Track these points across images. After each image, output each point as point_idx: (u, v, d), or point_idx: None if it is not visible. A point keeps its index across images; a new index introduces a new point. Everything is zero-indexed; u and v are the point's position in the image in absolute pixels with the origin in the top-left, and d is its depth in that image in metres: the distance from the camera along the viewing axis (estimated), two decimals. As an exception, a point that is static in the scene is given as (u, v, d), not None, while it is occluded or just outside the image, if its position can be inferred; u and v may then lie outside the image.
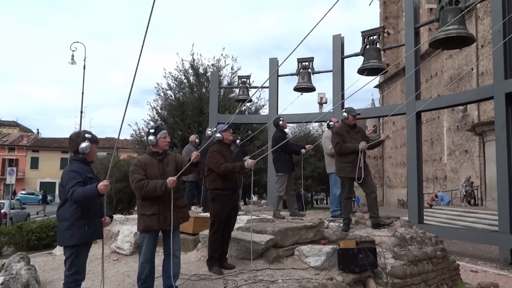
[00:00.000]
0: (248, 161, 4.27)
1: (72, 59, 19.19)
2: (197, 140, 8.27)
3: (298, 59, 11.63)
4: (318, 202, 47.24)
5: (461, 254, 8.77)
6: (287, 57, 3.33)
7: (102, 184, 3.01)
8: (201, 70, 17.29)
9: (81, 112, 19.60)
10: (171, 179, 3.53)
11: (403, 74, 32.75)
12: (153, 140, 3.74)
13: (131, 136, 17.55)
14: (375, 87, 41.98)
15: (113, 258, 5.32)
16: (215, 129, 4.83)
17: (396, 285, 4.69)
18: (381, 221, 5.80)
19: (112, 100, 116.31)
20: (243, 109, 16.95)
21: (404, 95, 35.40)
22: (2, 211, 16.45)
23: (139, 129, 17.06)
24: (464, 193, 20.70)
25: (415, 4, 9.91)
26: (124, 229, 5.57)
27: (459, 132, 24.80)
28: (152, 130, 3.81)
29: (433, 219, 16.50)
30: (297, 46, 3.11)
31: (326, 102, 32.30)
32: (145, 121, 17.27)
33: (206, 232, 5.16)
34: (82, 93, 19.32)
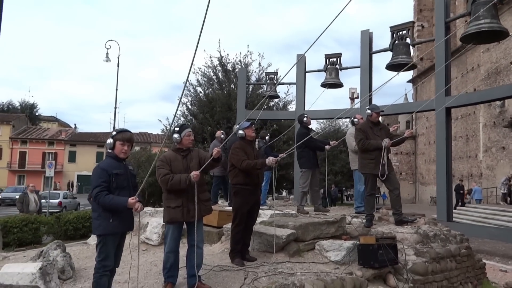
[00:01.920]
0: (270, 159, 4.40)
1: (107, 56, 19.87)
2: (222, 136, 8.46)
3: (326, 55, 11.61)
4: (348, 199, 46.73)
5: (492, 254, 8.59)
6: (304, 52, 3.42)
7: (132, 201, 3.20)
8: (229, 67, 17.48)
9: (115, 107, 20.27)
10: (194, 173, 3.72)
11: (436, 71, 31.85)
12: (177, 138, 3.94)
13: (162, 131, 17.99)
14: (408, 81, 40.99)
15: (142, 248, 5.59)
16: (237, 126, 4.99)
17: (417, 281, 4.71)
18: (404, 217, 5.80)
19: (144, 96, 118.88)
20: (271, 104, 17.04)
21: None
22: (58, 200, 19.89)
23: (170, 124, 17.45)
24: (505, 191, 19.98)
25: (446, -2, 9.68)
26: (153, 221, 5.84)
27: (496, 128, 23.93)
28: (177, 129, 4.01)
29: (466, 217, 16.10)
30: (315, 41, 3.20)
31: (357, 97, 31.85)
32: (176, 116, 17.68)
33: (229, 225, 5.34)
34: (116, 89, 19.87)
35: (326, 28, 3.18)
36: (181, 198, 3.81)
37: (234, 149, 4.58)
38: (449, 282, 5.11)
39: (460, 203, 20.88)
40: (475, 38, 8.72)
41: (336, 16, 3.08)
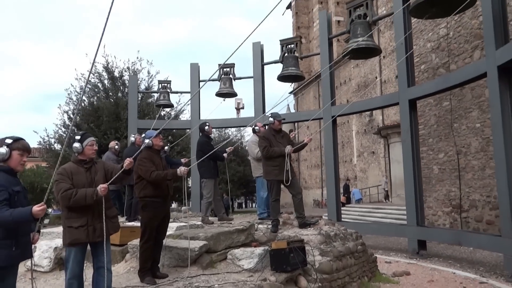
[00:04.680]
0: (181, 169, 4.21)
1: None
2: (116, 147, 7.91)
3: (219, 64, 11.71)
4: (241, 206, 47.64)
5: (375, 247, 9.48)
6: (226, 60, 3.36)
7: (38, 209, 2.68)
8: (116, 74, 16.52)
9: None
10: (102, 187, 3.36)
11: (315, 81, 34.62)
12: (78, 148, 3.51)
13: (39, 144, 16.14)
14: (290, 93, 43.67)
15: (28, 277, 4.87)
16: (143, 135, 4.69)
17: (324, 280, 4.95)
18: (307, 220, 6.07)
19: (10, 107, 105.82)
20: (162, 114, 16.56)
21: (316, 100, 37.34)
22: None
23: (48, 135, 15.79)
24: (387, 189, 22.45)
25: (328, 16, 10.57)
26: (42, 244, 5.14)
27: (367, 135, 26.84)
28: (77, 137, 3.57)
29: (347, 216, 17.60)
30: (232, 54, 3.16)
31: (243, 108, 32.94)
32: (56, 125, 16.04)
33: (134, 242, 4.97)
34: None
35: (243, 42, 3.18)
36: (85, 216, 3.40)
37: (141, 159, 4.28)
38: (350, 277, 5.49)
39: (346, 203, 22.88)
40: (354, 54, 9.68)
41: (253, 30, 3.10)
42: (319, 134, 26.70)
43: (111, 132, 14.54)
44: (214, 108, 23.32)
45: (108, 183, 3.46)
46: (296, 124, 32.17)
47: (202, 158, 5.34)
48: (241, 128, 14.91)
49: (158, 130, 4.49)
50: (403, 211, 14.83)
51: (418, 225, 8.11)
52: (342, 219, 10.18)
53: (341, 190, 19.69)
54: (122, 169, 3.51)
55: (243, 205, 49.04)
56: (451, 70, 9.77)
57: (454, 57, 9.82)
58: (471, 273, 6.77)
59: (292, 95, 43.60)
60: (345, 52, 9.36)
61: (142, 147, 4.25)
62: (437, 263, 7.66)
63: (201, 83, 11.75)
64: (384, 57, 24.04)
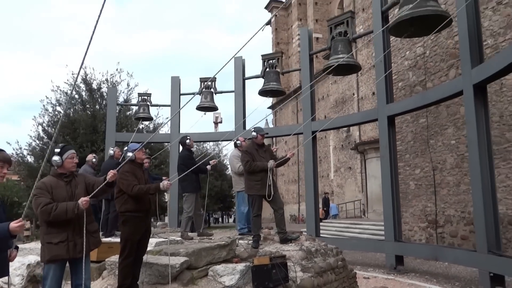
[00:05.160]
0: (164, 183, 4.14)
1: None
2: (94, 160, 7.73)
3: (200, 78, 11.70)
4: (218, 221, 47.19)
5: (353, 263, 9.50)
6: (215, 73, 3.34)
7: (16, 225, 2.59)
8: (94, 86, 16.27)
9: None
10: (83, 199, 3.26)
11: (293, 96, 35.04)
12: (58, 161, 3.42)
13: (12, 156, 15.64)
14: (268, 107, 43.96)
15: (0, 296, 4.65)
16: (126, 148, 4.60)
17: (306, 296, 4.91)
18: (288, 236, 6.04)
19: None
20: (140, 127, 16.34)
21: (294, 115, 37.64)
22: None
23: (20, 148, 15.32)
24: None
25: (309, 33, 10.75)
26: (15, 261, 4.91)
27: (344, 150, 27.19)
28: (57, 150, 3.47)
29: (325, 231, 17.65)
30: (218, 71, 3.15)
31: (221, 122, 32.98)
32: (31, 137, 15.59)
33: (112, 258, 4.83)
34: None
35: (230, 59, 3.18)
36: (65, 231, 3.29)
37: (123, 173, 4.18)
38: (331, 293, 5.46)
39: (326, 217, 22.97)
40: (335, 70, 9.84)
41: (246, 42, 3.11)
42: (297, 150, 26.93)
43: (87, 145, 14.24)
44: (195, 122, 23.20)
45: (90, 196, 3.37)
46: (274, 139, 32.41)
47: (186, 172, 5.28)
48: (219, 142, 14.85)
49: (141, 144, 4.41)
50: (380, 227, 15.03)
51: (396, 240, 8.20)
52: (321, 235, 10.20)
53: (320, 204, 19.80)
54: (105, 182, 3.42)
55: (220, 220, 48.64)
56: (428, 88, 10.05)
57: (430, 75, 10.12)
58: (448, 288, 6.87)
59: (271, 110, 43.94)
60: (329, 68, 9.54)
61: (125, 161, 4.16)
62: (414, 278, 7.74)
63: (185, 97, 11.69)
64: (361, 74, 24.57)
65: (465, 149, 9.15)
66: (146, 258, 4.57)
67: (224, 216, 49.46)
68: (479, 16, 6.86)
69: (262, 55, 10.98)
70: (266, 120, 43.90)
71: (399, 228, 8.35)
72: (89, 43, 2.60)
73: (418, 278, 7.72)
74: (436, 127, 9.98)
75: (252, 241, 5.89)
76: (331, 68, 9.21)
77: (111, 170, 3.50)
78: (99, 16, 2.67)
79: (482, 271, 6.24)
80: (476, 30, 6.69)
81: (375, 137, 20.79)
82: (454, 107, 9.38)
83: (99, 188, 3.42)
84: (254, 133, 6.06)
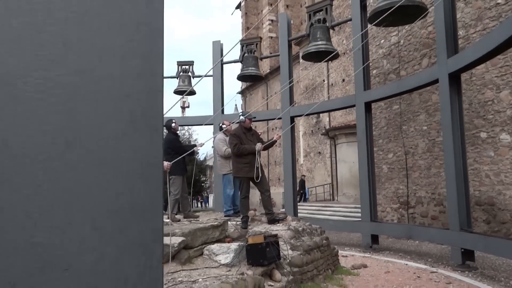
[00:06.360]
0: (165, 164, 4.22)
1: None
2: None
3: (178, 62, 11.61)
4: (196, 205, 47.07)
5: (331, 243, 9.92)
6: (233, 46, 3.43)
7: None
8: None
9: None
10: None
11: (264, 81, 35.17)
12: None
13: None
14: (238, 93, 43.90)
15: None
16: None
17: (296, 273, 5.16)
18: (276, 216, 6.26)
19: None
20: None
21: (264, 101, 37.76)
22: None
23: None
24: None
25: (288, 19, 10.87)
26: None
27: (313, 136, 27.72)
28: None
29: (300, 213, 18.11)
30: (231, 49, 3.24)
31: (188, 107, 32.76)
32: None
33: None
34: None
35: (232, 48, 3.27)
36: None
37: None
38: (317, 270, 5.74)
39: (301, 199, 23.50)
40: (314, 57, 10.05)
41: (252, 27, 3.21)
42: (282, 133, 27.20)
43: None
44: (173, 105, 22.79)
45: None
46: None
47: (180, 157, 5.35)
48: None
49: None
50: (350, 209, 15.60)
51: (372, 221, 8.61)
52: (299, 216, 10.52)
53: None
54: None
55: (196, 204, 48.49)
56: (401, 76, 10.46)
57: (404, 63, 10.52)
58: (422, 264, 7.33)
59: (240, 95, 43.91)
60: (304, 54, 9.72)
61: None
62: (389, 256, 8.19)
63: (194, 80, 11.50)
64: (331, 61, 24.97)
65: (436, 134, 9.65)
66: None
67: (193, 201, 49.34)
68: (455, 8, 7.21)
69: (240, 40, 11.09)
70: (236, 105, 43.97)
71: (374, 209, 8.77)
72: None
73: (392, 256, 8.17)
74: (409, 114, 10.44)
75: (240, 222, 6.07)
76: (309, 54, 9.42)
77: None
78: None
79: (455, 247, 6.71)
80: (452, 22, 7.04)
81: (345, 122, 21.31)
82: (426, 94, 9.83)
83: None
84: (242, 117, 6.19)
